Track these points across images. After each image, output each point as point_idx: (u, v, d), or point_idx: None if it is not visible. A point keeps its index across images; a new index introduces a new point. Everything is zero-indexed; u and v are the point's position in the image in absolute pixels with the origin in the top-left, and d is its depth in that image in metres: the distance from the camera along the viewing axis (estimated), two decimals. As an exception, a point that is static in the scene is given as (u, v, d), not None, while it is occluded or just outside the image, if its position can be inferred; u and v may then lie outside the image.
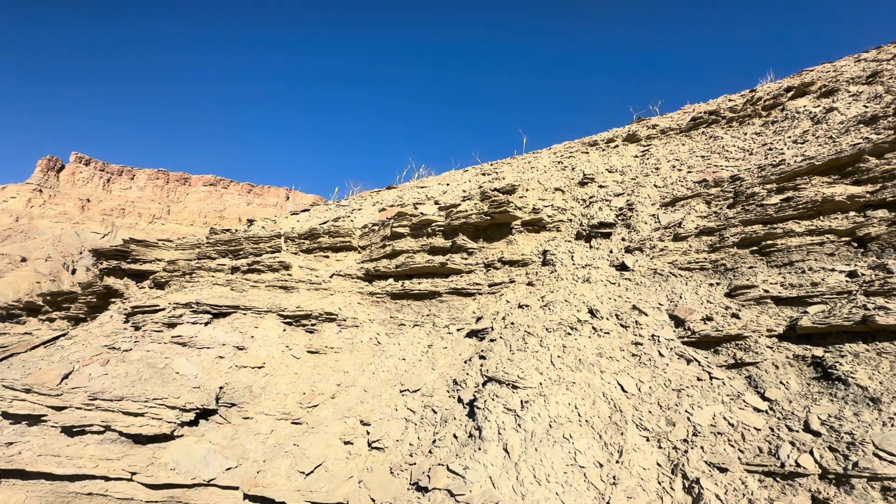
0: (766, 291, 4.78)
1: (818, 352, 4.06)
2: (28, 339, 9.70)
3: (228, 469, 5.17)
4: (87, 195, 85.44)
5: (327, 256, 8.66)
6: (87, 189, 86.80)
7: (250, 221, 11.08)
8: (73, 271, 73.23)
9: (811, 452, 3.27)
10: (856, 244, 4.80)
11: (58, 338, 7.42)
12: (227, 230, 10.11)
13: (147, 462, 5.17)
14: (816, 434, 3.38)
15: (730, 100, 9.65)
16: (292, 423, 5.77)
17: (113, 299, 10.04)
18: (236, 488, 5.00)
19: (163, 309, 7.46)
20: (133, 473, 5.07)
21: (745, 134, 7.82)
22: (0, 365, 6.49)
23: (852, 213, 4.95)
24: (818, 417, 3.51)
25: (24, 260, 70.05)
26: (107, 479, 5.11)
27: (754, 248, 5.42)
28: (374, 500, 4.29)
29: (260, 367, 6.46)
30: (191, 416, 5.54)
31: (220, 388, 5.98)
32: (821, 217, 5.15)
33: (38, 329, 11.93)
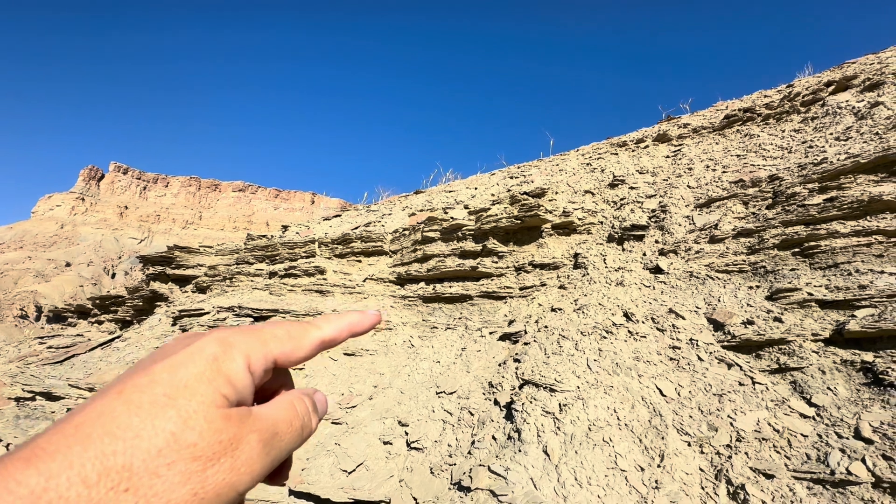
0: (811, 294, 4.68)
1: (868, 357, 3.97)
2: (81, 339, 10.31)
3: (274, 466, 5.42)
4: (125, 202, 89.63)
5: (360, 261, 8.90)
6: (125, 197, 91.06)
7: (284, 227, 11.46)
8: (113, 275, 76.95)
9: (863, 460, 3.21)
10: (906, 245, 4.64)
11: (112, 340, 7.91)
12: (264, 236, 10.50)
13: (199, 458, 5.47)
14: (868, 441, 3.32)
15: (765, 96, 9.39)
16: (332, 423, 5.99)
17: (158, 303, 10.58)
18: (283, 484, 5.23)
19: (207, 312, 7.85)
20: (187, 469, 5.39)
21: (783, 131, 7.61)
22: (64, 365, 6.98)
23: (902, 213, 4.79)
24: (869, 425, 3.44)
25: (68, 265, 74.08)
26: (163, 473, 5.44)
27: (796, 249, 5.30)
28: (416, 499, 4.43)
29: (301, 369, 6.72)
30: (238, 415, 5.83)
31: (264, 388, 6.27)
32: (868, 217, 5.00)
33: (88, 331, 12.67)
